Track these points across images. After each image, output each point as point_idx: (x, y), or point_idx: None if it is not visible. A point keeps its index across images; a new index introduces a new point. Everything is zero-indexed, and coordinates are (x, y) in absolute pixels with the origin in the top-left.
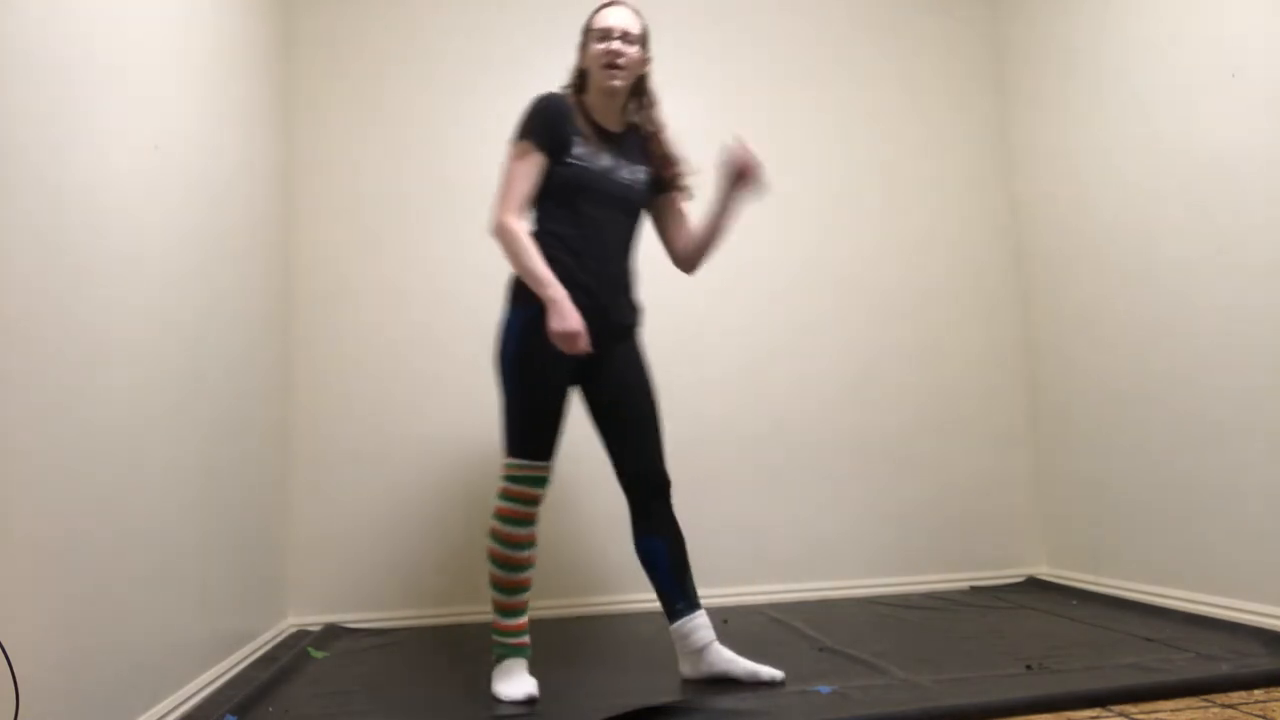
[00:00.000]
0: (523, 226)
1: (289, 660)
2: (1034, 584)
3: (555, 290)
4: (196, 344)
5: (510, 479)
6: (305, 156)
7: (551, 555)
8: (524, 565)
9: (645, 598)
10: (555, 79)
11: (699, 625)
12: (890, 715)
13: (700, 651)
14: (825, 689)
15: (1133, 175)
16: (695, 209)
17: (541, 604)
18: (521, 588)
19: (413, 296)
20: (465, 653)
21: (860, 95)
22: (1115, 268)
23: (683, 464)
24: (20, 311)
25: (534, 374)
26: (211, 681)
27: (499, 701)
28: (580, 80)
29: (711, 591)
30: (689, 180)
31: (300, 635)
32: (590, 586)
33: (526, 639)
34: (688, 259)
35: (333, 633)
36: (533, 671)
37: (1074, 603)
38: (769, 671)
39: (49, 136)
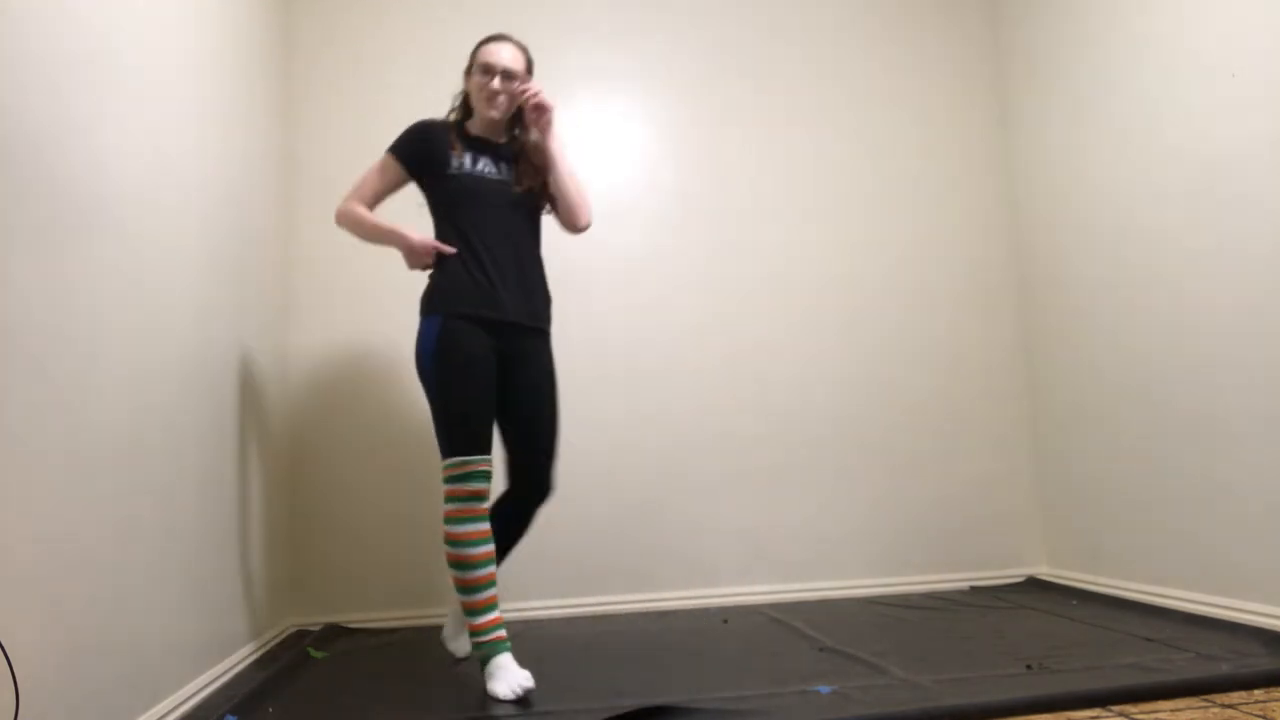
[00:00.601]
0: (355, 205)
1: (289, 660)
2: (1034, 584)
3: (397, 233)
4: (196, 343)
5: (451, 480)
6: (306, 155)
7: (552, 555)
8: (481, 562)
9: (645, 598)
10: (554, 78)
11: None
12: (890, 715)
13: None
14: (825, 689)
15: (1133, 175)
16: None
17: (541, 604)
18: (483, 585)
19: (413, 295)
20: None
21: (860, 96)
22: (1116, 268)
23: (683, 464)
24: (20, 311)
25: (455, 372)
26: (211, 681)
27: (499, 702)
28: (466, 102)
29: (711, 591)
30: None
31: (300, 635)
32: (590, 586)
33: (503, 633)
34: (565, 223)
35: (333, 633)
36: (533, 670)
37: (1074, 603)
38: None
39: (49, 136)
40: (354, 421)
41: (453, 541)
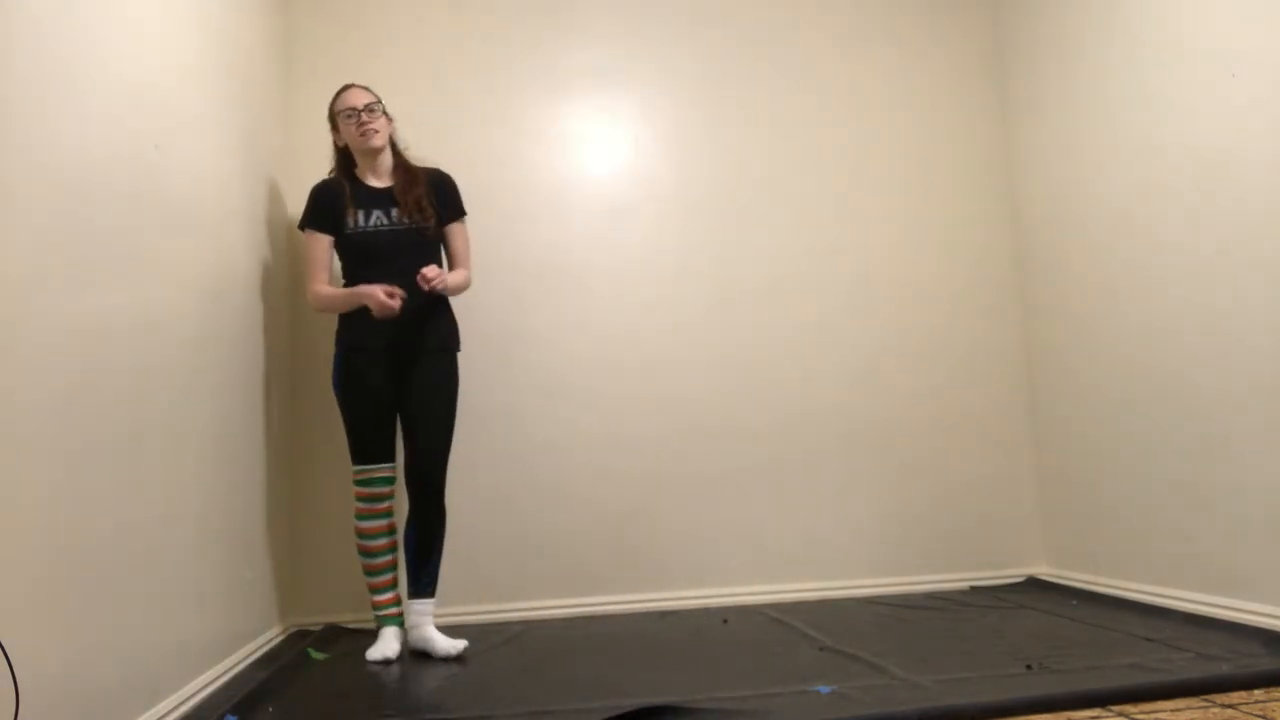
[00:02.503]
0: (323, 287)
1: (289, 660)
2: (1034, 584)
3: (356, 292)
4: (197, 344)
5: (356, 483)
6: (306, 155)
7: (552, 555)
8: (381, 551)
9: (645, 598)
10: (554, 78)
11: (416, 610)
12: (890, 715)
13: (413, 630)
14: (825, 689)
15: (1134, 176)
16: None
17: (541, 604)
18: (382, 569)
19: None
20: (465, 653)
21: (861, 96)
22: (1116, 268)
23: (683, 464)
24: (20, 311)
25: (354, 397)
26: (211, 681)
27: (369, 662)
28: (344, 156)
29: (711, 591)
30: (438, 215)
31: (300, 635)
32: (590, 586)
33: (397, 610)
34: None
35: (332, 633)
36: (533, 671)
37: (1074, 603)
38: (454, 645)
39: (49, 136)
40: None
41: (358, 534)
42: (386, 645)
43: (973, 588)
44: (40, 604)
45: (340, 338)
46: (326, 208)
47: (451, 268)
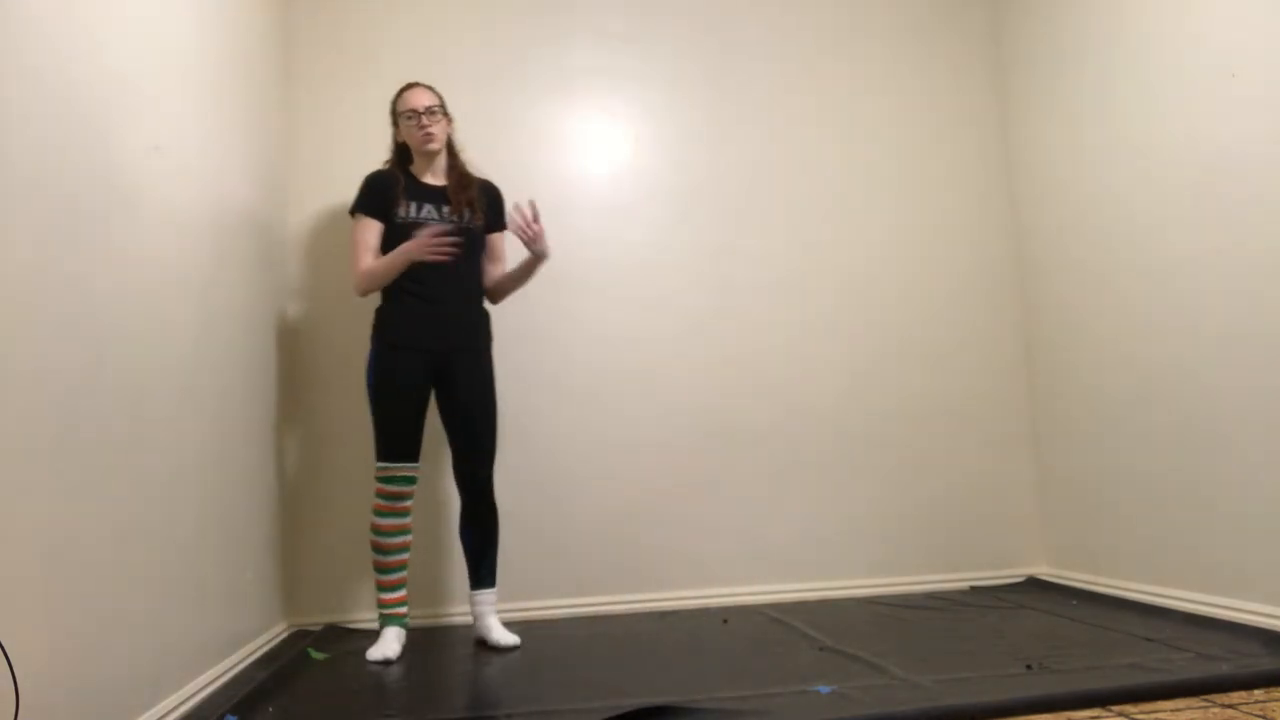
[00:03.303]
0: (371, 263)
1: (289, 660)
2: (1034, 584)
3: (402, 249)
4: (197, 344)
5: (380, 480)
6: (306, 156)
7: (552, 555)
8: (395, 550)
9: (645, 598)
10: (555, 78)
11: (478, 600)
12: (890, 715)
13: (476, 619)
14: (825, 689)
15: (1133, 175)
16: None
17: (542, 604)
18: (394, 568)
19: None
20: (464, 653)
21: (860, 95)
22: (1116, 267)
23: (683, 464)
24: (20, 311)
25: (386, 395)
26: (211, 681)
27: (369, 661)
28: (401, 150)
29: (711, 591)
30: (486, 220)
31: (300, 635)
32: (590, 586)
33: (403, 610)
34: (491, 293)
35: (333, 633)
36: (533, 671)
37: (1074, 603)
38: (509, 638)
39: (49, 136)
40: (353, 421)
41: (375, 530)
42: (387, 646)
43: (973, 588)
44: (40, 604)
45: (378, 334)
46: (380, 195)
47: (490, 274)
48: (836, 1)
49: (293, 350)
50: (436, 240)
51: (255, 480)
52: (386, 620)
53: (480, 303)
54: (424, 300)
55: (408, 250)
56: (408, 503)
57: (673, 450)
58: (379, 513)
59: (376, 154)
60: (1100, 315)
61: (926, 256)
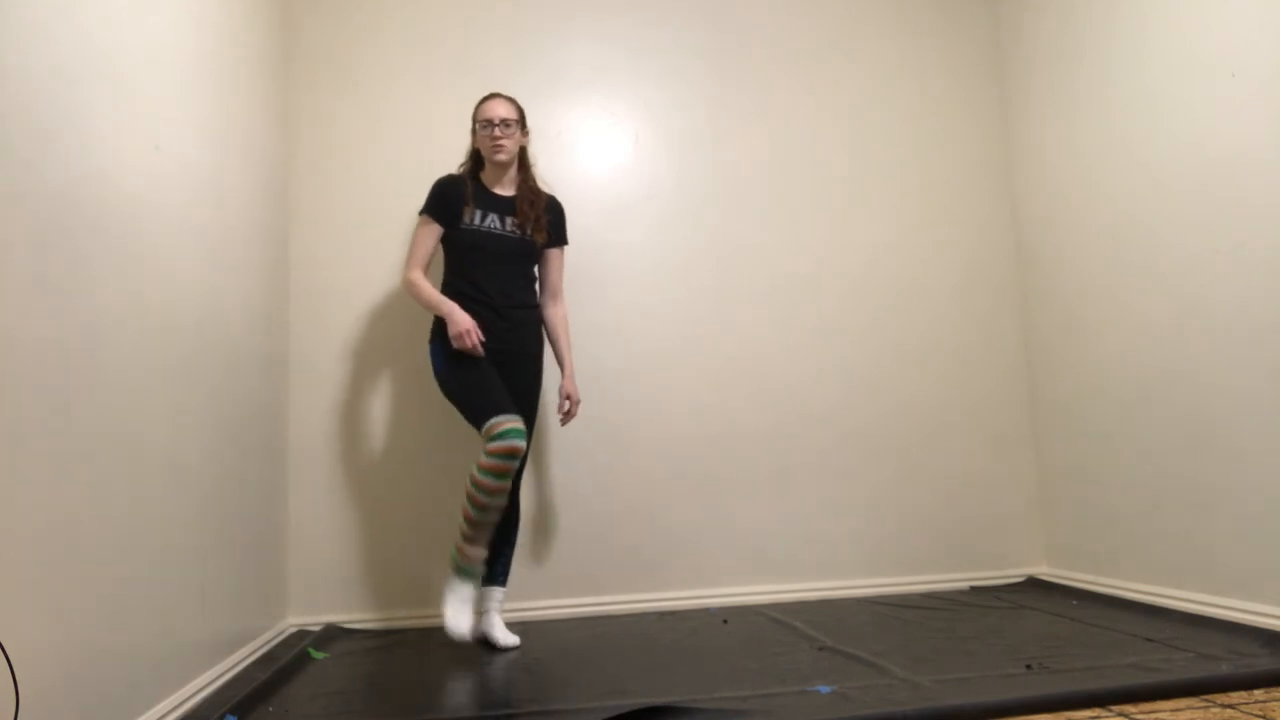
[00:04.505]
0: (420, 277)
1: (289, 660)
2: (1034, 584)
3: (446, 306)
4: (197, 344)
5: (492, 438)
6: (306, 157)
7: (552, 555)
8: (491, 509)
9: (645, 598)
10: (555, 77)
11: (489, 594)
12: (890, 715)
13: (481, 615)
14: (825, 689)
15: (1133, 174)
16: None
17: (541, 604)
18: (485, 526)
19: (409, 299)
20: (465, 653)
21: (860, 95)
22: (1115, 267)
23: (684, 464)
24: (21, 311)
25: (464, 365)
26: (211, 681)
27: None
28: (476, 157)
29: (711, 591)
30: (548, 237)
31: (300, 635)
32: (590, 586)
33: (481, 567)
34: (546, 312)
35: (333, 633)
36: (533, 671)
37: (1074, 603)
38: (510, 639)
39: (50, 136)
40: (353, 421)
41: (476, 486)
42: (459, 618)
43: (973, 588)
44: (40, 604)
45: (439, 334)
46: (446, 201)
47: (543, 287)
48: (837, 2)
49: (293, 350)
50: (466, 342)
51: (255, 480)
52: (465, 570)
53: (534, 309)
54: (482, 305)
55: (449, 318)
56: (515, 463)
57: (673, 450)
58: (486, 471)
59: (376, 156)
60: (1101, 315)
61: (927, 256)
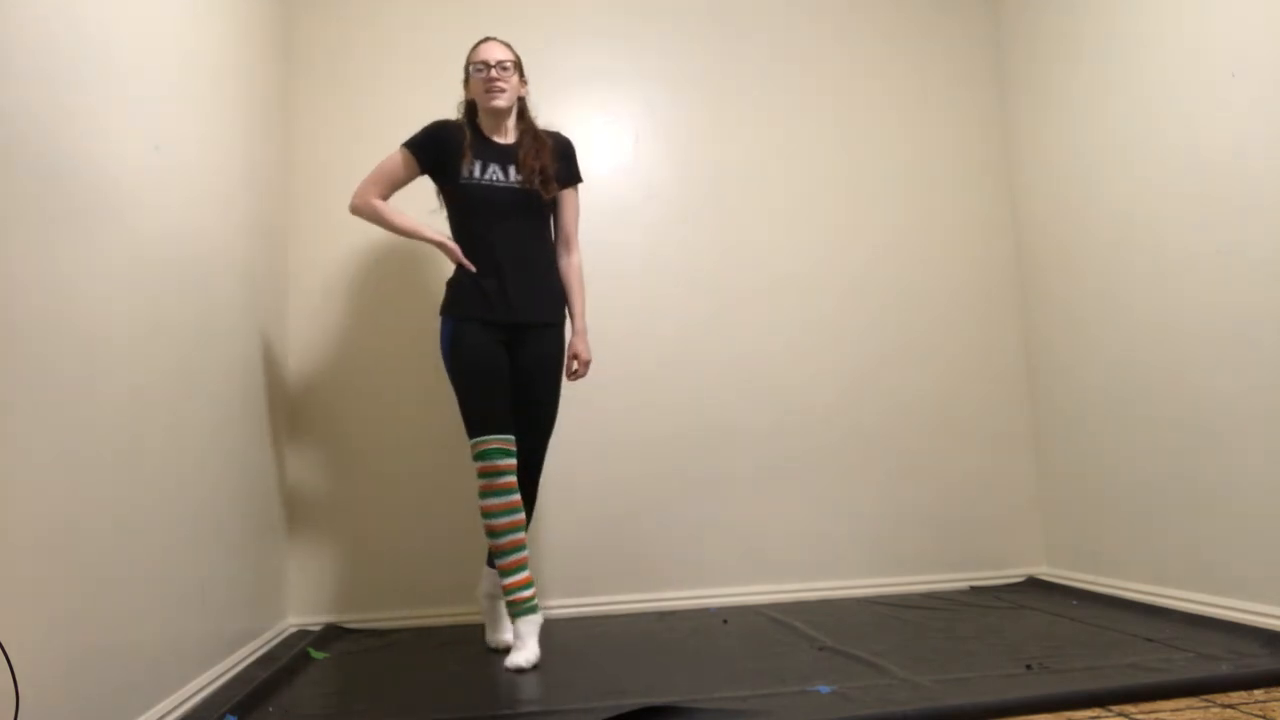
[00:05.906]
0: (379, 200)
1: (289, 660)
2: (1034, 584)
3: (428, 236)
4: (196, 344)
5: (475, 457)
6: (305, 157)
7: (552, 555)
8: (504, 531)
9: (645, 598)
10: (555, 77)
11: (490, 576)
12: (890, 715)
13: (490, 602)
14: (825, 689)
15: (1133, 174)
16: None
17: (542, 604)
18: (510, 549)
19: (411, 298)
20: (465, 653)
21: (859, 94)
22: (1116, 267)
23: (684, 463)
24: (20, 311)
25: (468, 367)
26: (211, 681)
27: (507, 669)
28: (470, 110)
29: (711, 591)
30: (551, 192)
31: (300, 635)
32: (590, 586)
33: (528, 594)
34: (560, 264)
35: (333, 633)
36: (533, 670)
37: (1074, 603)
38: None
39: (50, 137)
40: (354, 421)
41: (483, 513)
42: (525, 649)
43: (973, 588)
44: (40, 604)
45: (449, 310)
46: (437, 145)
47: (557, 236)
48: (837, 3)
49: (293, 350)
50: (456, 260)
51: (255, 479)
52: (516, 611)
53: (551, 273)
54: (489, 270)
55: (433, 241)
56: (508, 478)
57: (673, 450)
58: (481, 493)
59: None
60: (1101, 315)
61: (927, 257)
